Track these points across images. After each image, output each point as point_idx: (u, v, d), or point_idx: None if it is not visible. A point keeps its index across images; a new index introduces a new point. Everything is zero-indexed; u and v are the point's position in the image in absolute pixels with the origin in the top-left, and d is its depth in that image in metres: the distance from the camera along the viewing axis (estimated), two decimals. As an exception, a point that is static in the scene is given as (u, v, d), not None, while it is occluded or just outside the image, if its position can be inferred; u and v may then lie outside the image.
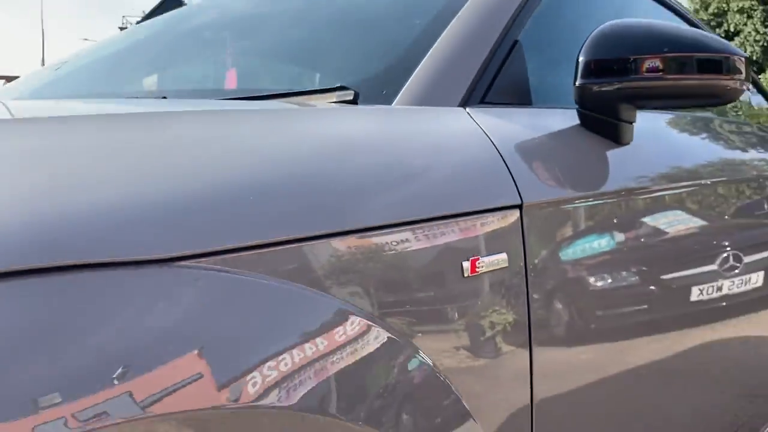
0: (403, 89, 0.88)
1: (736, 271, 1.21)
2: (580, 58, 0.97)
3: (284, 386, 0.49)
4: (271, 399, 0.48)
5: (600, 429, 0.91)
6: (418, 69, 0.91)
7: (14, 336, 0.40)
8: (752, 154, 1.61)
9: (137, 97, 1.21)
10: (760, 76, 28.77)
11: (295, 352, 0.52)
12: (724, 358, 1.25)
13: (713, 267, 1.15)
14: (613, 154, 1.02)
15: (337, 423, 0.53)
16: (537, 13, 1.11)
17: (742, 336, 1.32)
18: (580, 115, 1.00)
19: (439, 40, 0.96)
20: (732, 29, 29.80)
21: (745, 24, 29.27)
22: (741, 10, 29.35)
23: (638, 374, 0.97)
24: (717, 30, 30.79)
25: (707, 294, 1.13)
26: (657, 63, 0.97)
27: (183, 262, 0.48)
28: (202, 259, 0.50)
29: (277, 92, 0.96)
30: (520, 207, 0.78)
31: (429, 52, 0.93)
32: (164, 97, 1.07)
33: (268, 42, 1.29)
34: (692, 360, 1.12)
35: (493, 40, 1.00)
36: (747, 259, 1.28)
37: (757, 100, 2.21)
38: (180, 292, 0.48)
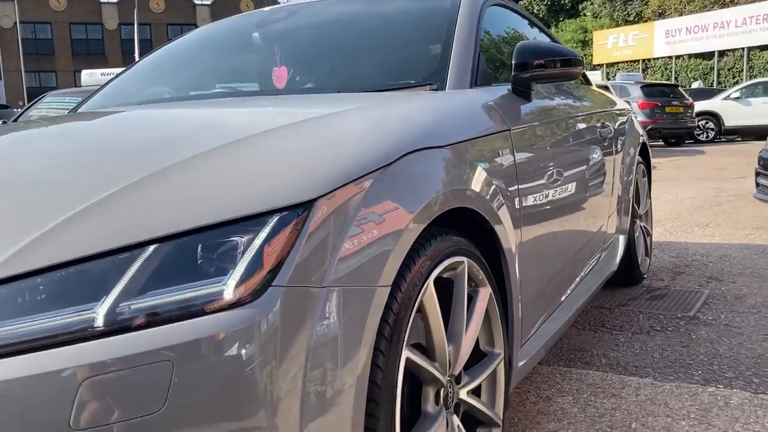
0: (447, 83, 1.94)
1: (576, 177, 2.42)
2: (513, 61, 2.07)
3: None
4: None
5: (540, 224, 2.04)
6: (449, 73, 1.97)
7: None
8: (580, 103, 2.86)
9: (319, 92, 2.15)
10: (556, 29, 31.57)
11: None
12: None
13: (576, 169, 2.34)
14: (526, 106, 2.14)
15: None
16: (483, 41, 2.20)
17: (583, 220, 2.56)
18: (513, 89, 2.11)
19: (451, 58, 2.02)
20: (520, -10, 33.06)
21: (532, -15, 32.66)
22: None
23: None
24: (507, -10, 33.83)
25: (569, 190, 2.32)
26: (542, 62, 2.10)
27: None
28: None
29: (399, 86, 1.98)
30: (509, 130, 1.88)
31: (450, 65, 1.99)
32: (339, 91, 2.04)
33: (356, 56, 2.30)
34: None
35: (471, 55, 2.07)
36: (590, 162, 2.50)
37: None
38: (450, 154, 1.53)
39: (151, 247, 1.03)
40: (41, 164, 1.45)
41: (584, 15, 30.45)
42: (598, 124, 2.89)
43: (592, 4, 29.99)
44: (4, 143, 1.77)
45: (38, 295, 0.99)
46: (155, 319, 0.99)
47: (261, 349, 1.01)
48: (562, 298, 2.45)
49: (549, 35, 3.18)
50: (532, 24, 2.94)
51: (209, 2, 50.79)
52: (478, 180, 1.60)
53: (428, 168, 1.43)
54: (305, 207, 1.12)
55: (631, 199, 3.46)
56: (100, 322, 0.98)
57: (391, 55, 2.28)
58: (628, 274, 3.53)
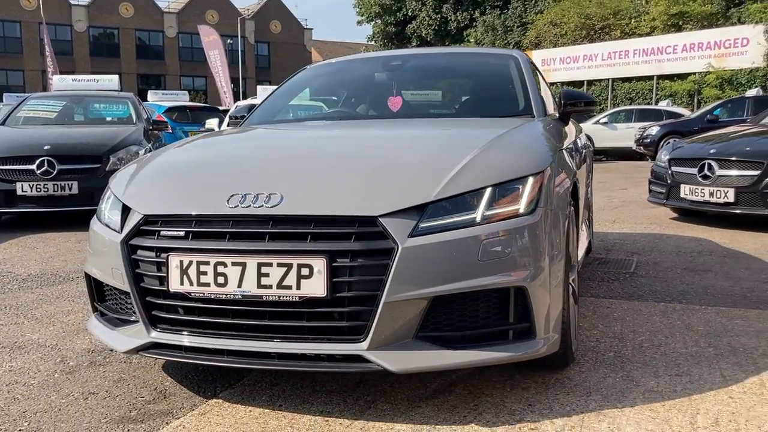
0: (535, 113, 3.28)
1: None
2: (562, 101, 3.46)
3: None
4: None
5: None
6: (533, 107, 3.32)
7: None
8: (575, 126, 4.31)
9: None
10: None
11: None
12: None
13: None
14: (567, 128, 3.54)
15: None
16: (536, 87, 3.58)
17: None
18: (560, 117, 3.50)
19: (531, 97, 3.38)
20: (410, 14, 35.08)
21: (420, 10, 34.72)
22: (416, -1, 34.51)
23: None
24: (397, 14, 35.84)
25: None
26: (575, 102, 3.51)
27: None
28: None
29: (510, 114, 3.29)
30: (572, 141, 3.26)
31: (532, 102, 3.35)
32: (477, 117, 3.34)
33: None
34: None
35: (538, 95, 3.44)
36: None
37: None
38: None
39: (489, 188, 2.29)
40: (405, 145, 2.80)
41: (468, 41, 32.95)
42: (582, 140, 4.35)
43: (475, 31, 32.53)
44: (336, 138, 3.13)
45: (452, 206, 2.23)
46: (496, 218, 2.26)
47: (535, 231, 2.30)
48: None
49: (544, 79, 4.63)
50: (539, 73, 4.38)
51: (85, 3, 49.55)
52: (573, 167, 2.97)
53: (565, 159, 2.79)
54: (541, 173, 2.42)
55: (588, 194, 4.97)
56: (478, 219, 2.23)
57: (492, 94, 3.61)
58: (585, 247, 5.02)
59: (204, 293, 2.25)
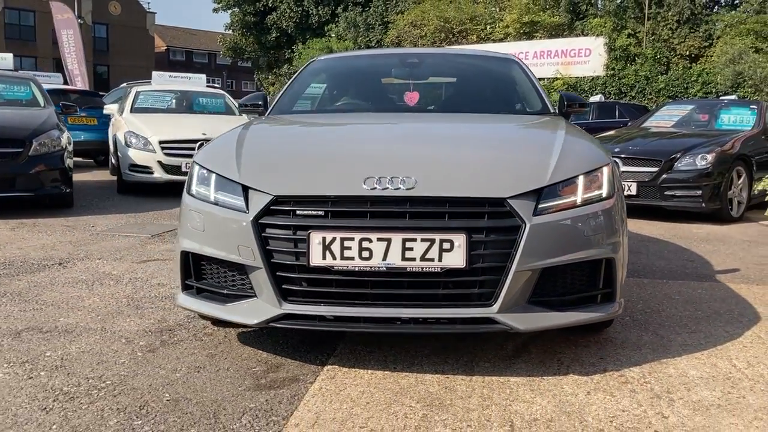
0: (554, 113, 3.75)
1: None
2: (564, 101, 3.96)
3: None
4: None
5: None
6: (548, 105, 3.79)
7: None
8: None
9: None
10: (303, 46, 33.05)
11: None
12: None
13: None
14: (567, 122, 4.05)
15: None
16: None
17: None
18: (560, 115, 4.00)
19: (542, 96, 3.84)
20: (270, 4, 34.60)
21: (281, 1, 34.37)
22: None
23: None
24: (257, 3, 35.26)
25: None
26: (573, 103, 4.02)
27: None
28: None
29: (537, 112, 3.71)
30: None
31: (545, 100, 3.82)
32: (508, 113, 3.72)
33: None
34: None
35: (546, 94, 3.91)
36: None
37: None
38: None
39: (581, 176, 2.71)
40: (496, 137, 3.21)
41: (330, 36, 33.28)
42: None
43: (337, 26, 32.92)
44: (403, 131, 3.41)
45: (557, 191, 2.61)
46: (590, 201, 2.67)
47: (613, 210, 2.74)
48: None
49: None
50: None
51: None
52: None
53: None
54: (609, 163, 2.87)
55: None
56: (578, 201, 2.64)
57: (515, 93, 4.03)
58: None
59: (347, 266, 2.47)
